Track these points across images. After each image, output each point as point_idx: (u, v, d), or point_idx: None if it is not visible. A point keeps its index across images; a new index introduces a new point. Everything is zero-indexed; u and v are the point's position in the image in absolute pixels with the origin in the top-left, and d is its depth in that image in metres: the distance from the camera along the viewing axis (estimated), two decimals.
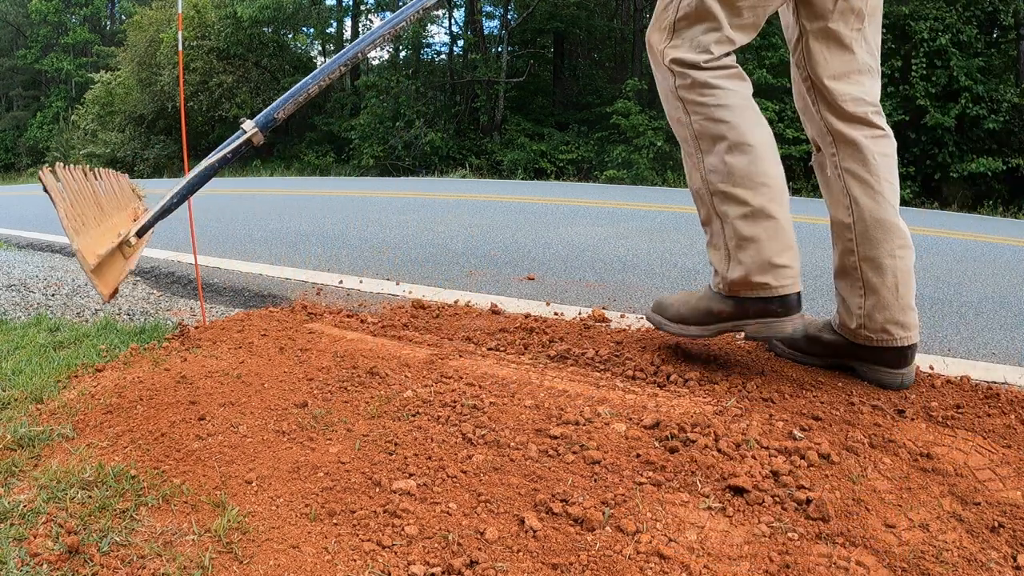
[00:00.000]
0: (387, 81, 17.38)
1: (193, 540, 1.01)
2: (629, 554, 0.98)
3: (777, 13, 1.72)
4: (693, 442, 1.26)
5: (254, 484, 1.16)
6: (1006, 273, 3.29)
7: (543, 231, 4.22)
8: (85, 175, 1.52)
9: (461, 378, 1.57)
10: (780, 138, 12.44)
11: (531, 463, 1.22)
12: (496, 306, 2.28)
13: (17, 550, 0.97)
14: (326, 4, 21.29)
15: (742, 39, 1.57)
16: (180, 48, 1.99)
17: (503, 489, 1.14)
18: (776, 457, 1.23)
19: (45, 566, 0.94)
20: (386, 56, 20.28)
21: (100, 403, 1.45)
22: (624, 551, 0.99)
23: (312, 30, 20.78)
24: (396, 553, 0.99)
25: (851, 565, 0.97)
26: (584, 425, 1.33)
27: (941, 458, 1.25)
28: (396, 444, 1.28)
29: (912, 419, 1.42)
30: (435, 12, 18.25)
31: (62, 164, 1.44)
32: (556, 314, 2.24)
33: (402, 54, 19.94)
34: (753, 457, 1.22)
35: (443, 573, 0.95)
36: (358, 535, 1.03)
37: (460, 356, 1.73)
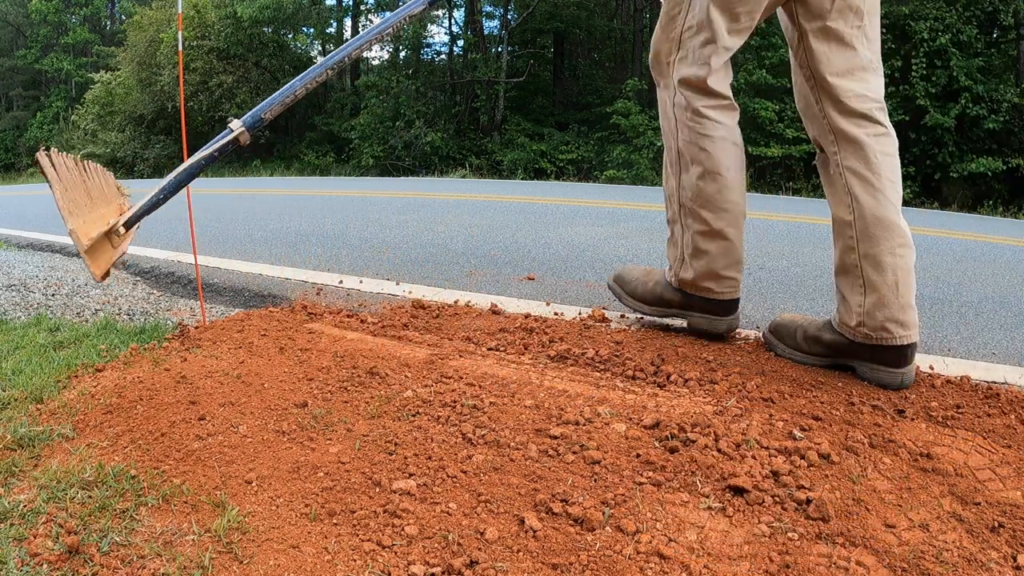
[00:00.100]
0: (387, 81, 17.39)
1: (193, 540, 1.01)
2: (629, 554, 0.98)
3: (776, 14, 1.73)
4: (693, 442, 1.26)
5: (254, 484, 1.16)
6: (1006, 273, 3.29)
7: (543, 231, 4.22)
8: (76, 164, 1.55)
9: (461, 378, 1.57)
10: (780, 138, 12.45)
11: (531, 463, 1.22)
12: (496, 306, 2.28)
13: (17, 550, 0.97)
14: (326, 4, 21.30)
15: (737, 43, 1.68)
16: (180, 48, 1.99)
17: (503, 489, 1.14)
18: (776, 457, 1.23)
19: (45, 566, 0.94)
20: (386, 56, 20.30)
21: (100, 403, 1.45)
22: (624, 551, 0.99)
23: (312, 30, 20.78)
24: (396, 553, 0.99)
25: (851, 565, 0.97)
26: (584, 425, 1.33)
27: (941, 458, 1.25)
28: (396, 444, 1.28)
29: (912, 419, 1.42)
30: (435, 12, 18.27)
31: (56, 150, 1.48)
32: (556, 314, 2.24)
33: (402, 54, 19.95)
34: (753, 457, 1.22)
35: (443, 573, 0.95)
36: (358, 535, 1.03)
37: (460, 356, 1.73)
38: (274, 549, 1.00)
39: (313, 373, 1.61)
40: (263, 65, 18.68)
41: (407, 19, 1.77)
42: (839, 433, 1.34)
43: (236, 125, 1.63)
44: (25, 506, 1.07)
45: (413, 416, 1.40)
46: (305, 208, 5.83)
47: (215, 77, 17.74)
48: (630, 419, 1.36)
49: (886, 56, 11.90)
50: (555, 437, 1.29)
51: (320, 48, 21.55)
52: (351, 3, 21.66)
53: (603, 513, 1.07)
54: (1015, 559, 1.00)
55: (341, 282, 2.77)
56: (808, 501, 1.10)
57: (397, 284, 2.71)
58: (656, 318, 1.99)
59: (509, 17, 17.12)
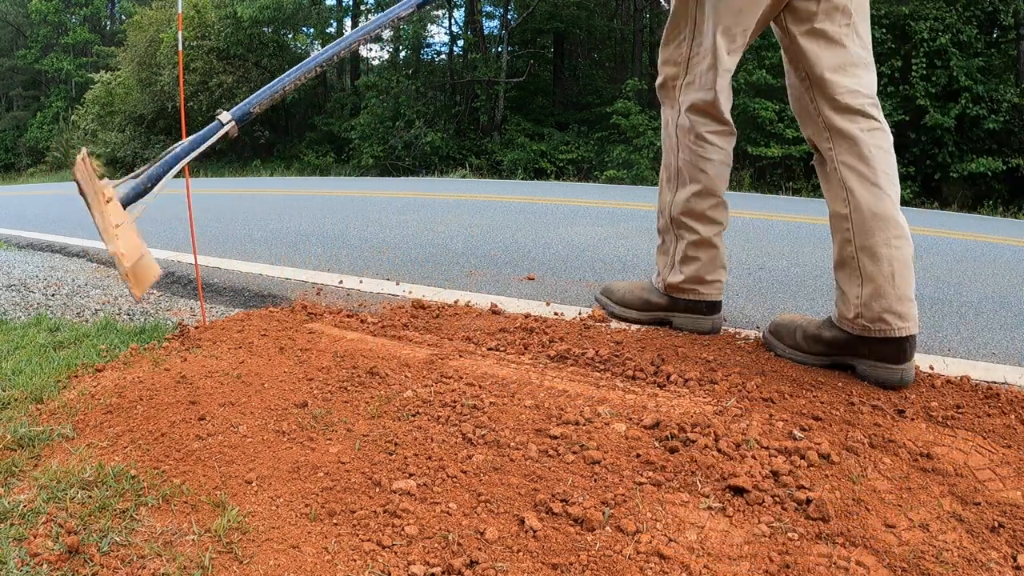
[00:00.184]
0: (387, 81, 17.38)
1: (193, 540, 1.01)
2: (629, 554, 0.98)
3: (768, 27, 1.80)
4: (693, 442, 1.26)
5: (254, 484, 1.16)
6: (1006, 273, 3.29)
7: (543, 231, 4.22)
8: (87, 166, 1.47)
9: (461, 378, 1.57)
10: (780, 138, 12.44)
11: (531, 463, 1.22)
12: (496, 306, 2.28)
13: (17, 550, 0.97)
14: (326, 4, 21.29)
15: (734, 63, 1.79)
16: (180, 48, 1.99)
17: (503, 489, 1.14)
18: (776, 457, 1.23)
19: (45, 566, 0.94)
20: (386, 56, 20.31)
21: (100, 403, 1.45)
22: (624, 551, 0.99)
23: (312, 30, 20.76)
24: (396, 553, 0.99)
25: (851, 565, 0.97)
26: (584, 425, 1.33)
27: (941, 458, 1.25)
28: (396, 444, 1.28)
29: (912, 419, 1.42)
30: (434, 12, 18.27)
31: (85, 158, 1.37)
32: (556, 314, 2.24)
33: (402, 54, 19.95)
34: (753, 457, 1.22)
35: (443, 573, 0.95)
36: (358, 535, 1.03)
37: (460, 356, 1.73)
38: (274, 549, 1.00)
39: (313, 373, 1.61)
40: (263, 65, 18.66)
41: (395, 20, 1.78)
42: (839, 433, 1.34)
43: (225, 117, 1.60)
44: (25, 506, 1.07)
45: (413, 416, 1.40)
46: (305, 208, 5.83)
47: (215, 77, 17.74)
48: (630, 419, 1.36)
49: (886, 56, 11.91)
50: (555, 437, 1.29)
51: (320, 48, 21.54)
52: (351, 3, 21.67)
53: (603, 513, 1.07)
54: (1015, 559, 1.00)
55: (341, 282, 2.77)
56: (808, 501, 1.10)
57: (397, 284, 2.71)
58: (645, 323, 2.06)
59: (509, 17, 17.11)
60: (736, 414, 1.38)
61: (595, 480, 1.17)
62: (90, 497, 1.10)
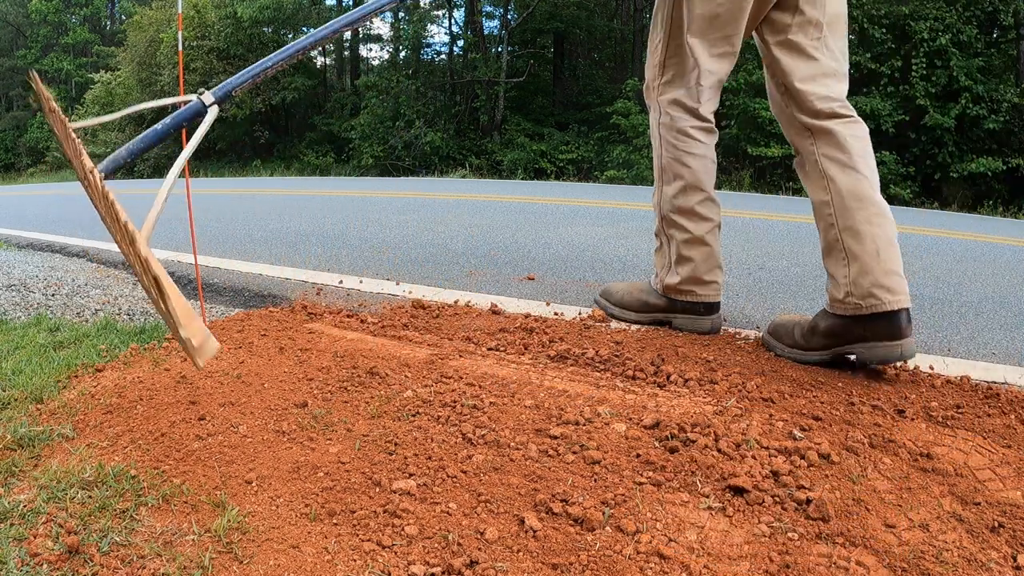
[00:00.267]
0: (387, 81, 17.39)
1: (193, 540, 1.01)
2: (629, 554, 0.98)
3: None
4: (693, 442, 1.26)
5: (254, 484, 1.16)
6: (1006, 273, 3.29)
7: (543, 231, 4.22)
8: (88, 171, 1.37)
9: (461, 378, 1.57)
10: (780, 138, 12.37)
11: (531, 463, 1.22)
12: (496, 306, 2.28)
13: (17, 550, 0.97)
14: (326, 4, 21.30)
15: (721, 67, 1.83)
16: (180, 48, 1.99)
17: (503, 489, 1.14)
18: (776, 457, 1.23)
19: (45, 566, 0.94)
20: (386, 56, 20.30)
21: (100, 403, 1.45)
22: (624, 551, 0.99)
23: (312, 30, 20.77)
24: (396, 553, 0.99)
25: (851, 565, 0.97)
26: (584, 425, 1.33)
27: (941, 458, 1.25)
28: (396, 444, 1.28)
29: (912, 419, 1.42)
30: (434, 12, 18.27)
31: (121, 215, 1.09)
32: (556, 314, 2.24)
33: (402, 54, 19.96)
34: (753, 457, 1.22)
35: (443, 573, 0.95)
36: (358, 535, 1.03)
37: (460, 356, 1.73)
38: (274, 549, 1.00)
39: (313, 373, 1.61)
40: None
41: (377, 13, 1.79)
42: (839, 433, 1.34)
43: (209, 99, 1.51)
44: (25, 506, 1.07)
45: (413, 416, 1.40)
46: (305, 208, 5.83)
47: (215, 77, 17.74)
48: (630, 419, 1.36)
49: (886, 56, 11.90)
50: (555, 437, 1.29)
51: (320, 48, 21.53)
52: (351, 3, 21.66)
53: (603, 513, 1.07)
54: (1015, 559, 1.00)
55: (341, 282, 2.77)
56: (808, 501, 1.10)
57: (397, 284, 2.71)
58: (643, 324, 2.07)
59: (509, 17, 17.12)
60: (736, 414, 1.38)
61: (595, 480, 1.17)
62: (90, 497, 1.10)
